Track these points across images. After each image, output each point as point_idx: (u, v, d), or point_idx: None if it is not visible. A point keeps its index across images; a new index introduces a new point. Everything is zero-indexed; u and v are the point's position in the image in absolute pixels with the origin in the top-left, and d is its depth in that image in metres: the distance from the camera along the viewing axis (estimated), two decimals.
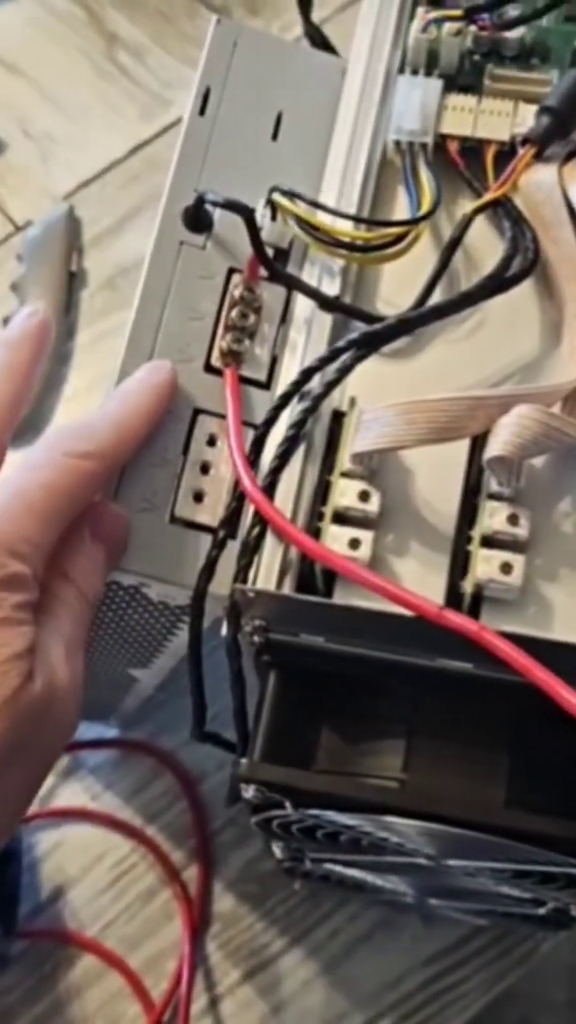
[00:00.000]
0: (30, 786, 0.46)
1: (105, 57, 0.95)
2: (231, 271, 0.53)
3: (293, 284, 0.52)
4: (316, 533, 0.47)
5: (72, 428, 0.48)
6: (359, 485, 0.47)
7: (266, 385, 0.52)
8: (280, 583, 0.47)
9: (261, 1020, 0.70)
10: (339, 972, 0.71)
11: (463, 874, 0.53)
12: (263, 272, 0.52)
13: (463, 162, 0.54)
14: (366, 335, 0.49)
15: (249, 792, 0.47)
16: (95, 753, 0.76)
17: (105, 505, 0.48)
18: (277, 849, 0.58)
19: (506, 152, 0.53)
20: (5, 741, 0.42)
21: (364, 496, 0.47)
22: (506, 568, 0.46)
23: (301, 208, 0.52)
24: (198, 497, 0.50)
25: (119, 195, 0.89)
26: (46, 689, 0.44)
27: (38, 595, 0.45)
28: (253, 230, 0.51)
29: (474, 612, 0.47)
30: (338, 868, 0.60)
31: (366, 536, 0.47)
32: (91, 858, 0.74)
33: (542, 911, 0.58)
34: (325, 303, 0.51)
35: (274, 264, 0.52)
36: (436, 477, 0.49)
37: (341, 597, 0.47)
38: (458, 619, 0.43)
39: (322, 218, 0.52)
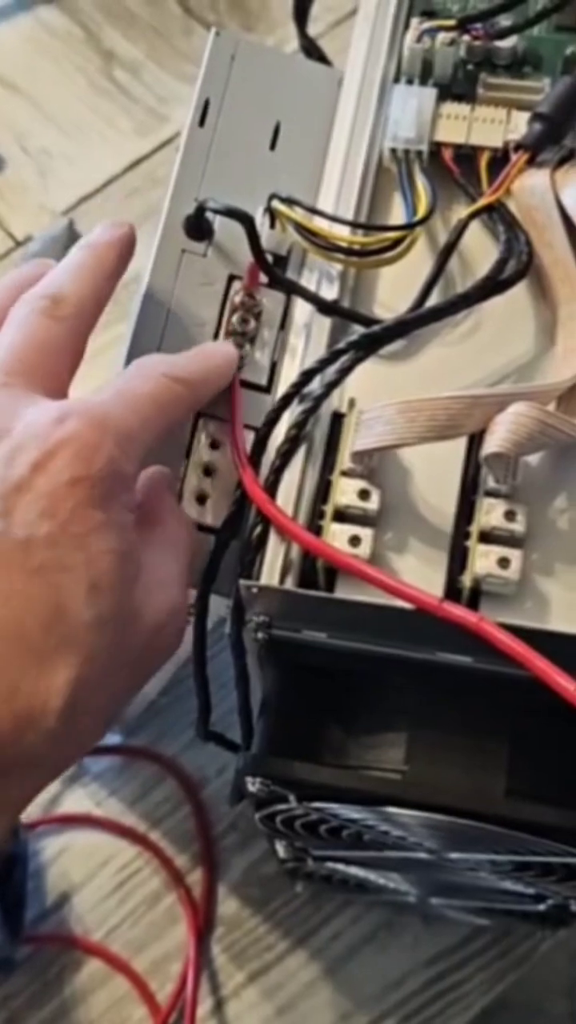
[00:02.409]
0: (130, 691, 0.46)
1: (102, 74, 0.96)
2: (231, 278, 0.54)
3: (292, 289, 0.53)
4: (317, 531, 0.48)
5: (164, 357, 0.49)
6: (359, 483, 0.48)
7: (267, 389, 0.53)
8: (283, 580, 0.47)
9: (266, 1021, 0.71)
10: (342, 973, 0.71)
11: (464, 869, 0.53)
12: (263, 278, 0.53)
13: (458, 169, 0.55)
14: (365, 337, 0.50)
15: (254, 786, 0.47)
16: (99, 759, 0.77)
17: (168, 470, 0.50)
18: (280, 848, 0.59)
19: (499, 158, 0.54)
20: (116, 651, 0.43)
21: (364, 494, 0.48)
22: (503, 563, 0.47)
23: (300, 215, 0.53)
24: (201, 499, 0.50)
25: (117, 210, 0.90)
26: (157, 602, 0.45)
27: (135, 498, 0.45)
28: (253, 237, 0.51)
29: (473, 606, 0.47)
30: (340, 867, 0.60)
31: (366, 533, 0.47)
32: (96, 863, 0.74)
33: (542, 907, 0.58)
34: (324, 307, 0.52)
35: (274, 270, 0.53)
36: (434, 475, 0.49)
37: (342, 593, 0.47)
38: (458, 611, 0.43)
39: (320, 224, 0.53)
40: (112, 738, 0.77)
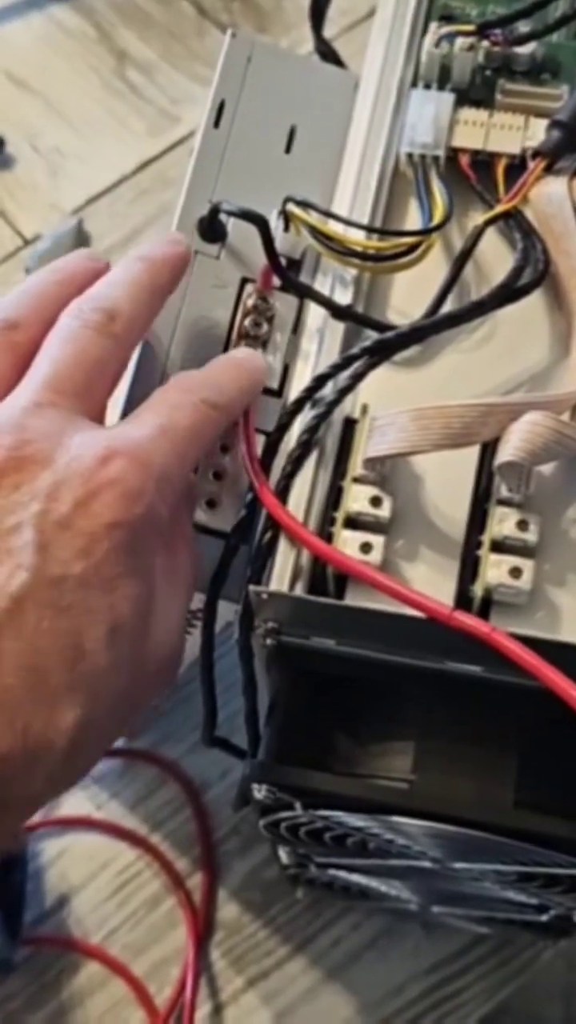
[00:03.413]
0: (123, 730, 0.47)
1: (114, 74, 0.96)
2: (244, 281, 0.54)
3: (306, 293, 0.53)
4: (328, 538, 0.48)
5: (204, 378, 0.48)
6: (371, 490, 0.48)
7: (278, 393, 0.52)
8: (292, 586, 0.47)
9: None
10: (342, 980, 0.71)
11: (468, 878, 0.53)
12: (276, 281, 0.53)
13: (474, 175, 0.55)
14: (378, 343, 0.50)
15: (260, 793, 0.47)
16: (100, 762, 0.76)
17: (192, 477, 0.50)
18: (283, 854, 0.58)
19: (517, 165, 0.54)
20: (122, 694, 0.43)
21: (376, 501, 0.48)
22: (515, 572, 0.47)
23: (314, 218, 0.52)
24: (212, 503, 0.50)
25: (128, 210, 0.90)
26: (162, 646, 0.45)
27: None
28: (268, 239, 0.51)
29: (483, 616, 0.47)
30: (343, 874, 0.60)
31: (377, 540, 0.47)
32: (96, 866, 0.74)
33: (545, 918, 0.58)
34: (337, 312, 0.52)
35: (287, 273, 0.53)
36: (447, 483, 0.49)
37: (352, 601, 0.47)
38: (470, 621, 0.43)
39: (335, 228, 0.53)
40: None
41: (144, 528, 0.42)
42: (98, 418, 0.46)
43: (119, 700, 0.43)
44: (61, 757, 0.41)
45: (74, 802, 0.75)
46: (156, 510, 0.43)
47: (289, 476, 0.49)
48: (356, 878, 0.60)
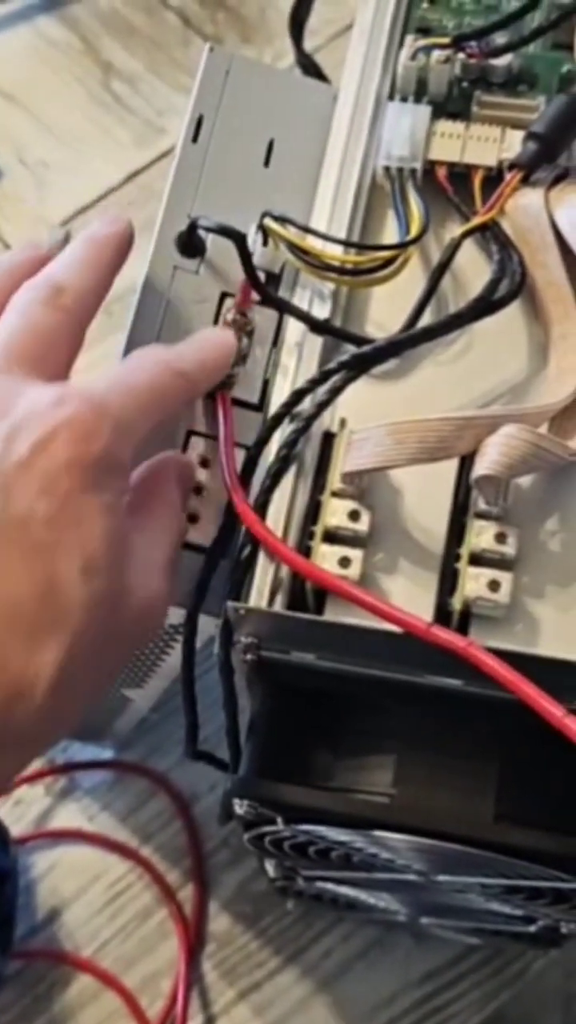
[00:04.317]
0: (112, 674, 0.47)
1: (100, 85, 0.96)
2: (223, 295, 0.54)
3: (284, 308, 0.53)
4: (307, 552, 0.48)
5: (167, 347, 0.50)
6: (349, 504, 0.48)
7: (258, 407, 0.52)
8: (271, 601, 0.47)
9: None
10: (333, 991, 0.71)
11: (453, 891, 0.53)
12: (255, 296, 0.53)
13: (451, 187, 0.54)
14: (356, 357, 0.50)
15: (242, 808, 0.47)
16: (91, 774, 0.76)
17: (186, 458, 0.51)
18: (270, 867, 0.58)
19: (493, 177, 0.54)
20: (102, 633, 0.43)
21: (354, 515, 0.48)
22: (494, 586, 0.47)
23: (292, 233, 0.52)
24: (192, 518, 0.50)
25: None
26: (143, 588, 0.45)
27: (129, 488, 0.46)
28: (245, 255, 0.51)
29: (462, 629, 0.47)
30: (330, 886, 0.60)
31: (356, 555, 0.47)
32: (87, 878, 0.74)
33: (533, 929, 0.58)
34: (316, 326, 0.52)
35: (266, 288, 0.53)
36: (425, 496, 0.49)
37: (332, 615, 0.47)
38: (446, 635, 0.43)
39: (313, 243, 0.52)
40: (104, 753, 0.77)
41: (103, 465, 0.43)
42: None
43: (101, 639, 0.43)
44: (45, 693, 0.41)
45: (65, 815, 0.75)
46: (113, 452, 0.43)
47: (268, 490, 0.49)
48: (344, 890, 0.60)
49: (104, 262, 0.50)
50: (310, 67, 0.66)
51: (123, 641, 0.45)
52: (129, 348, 0.52)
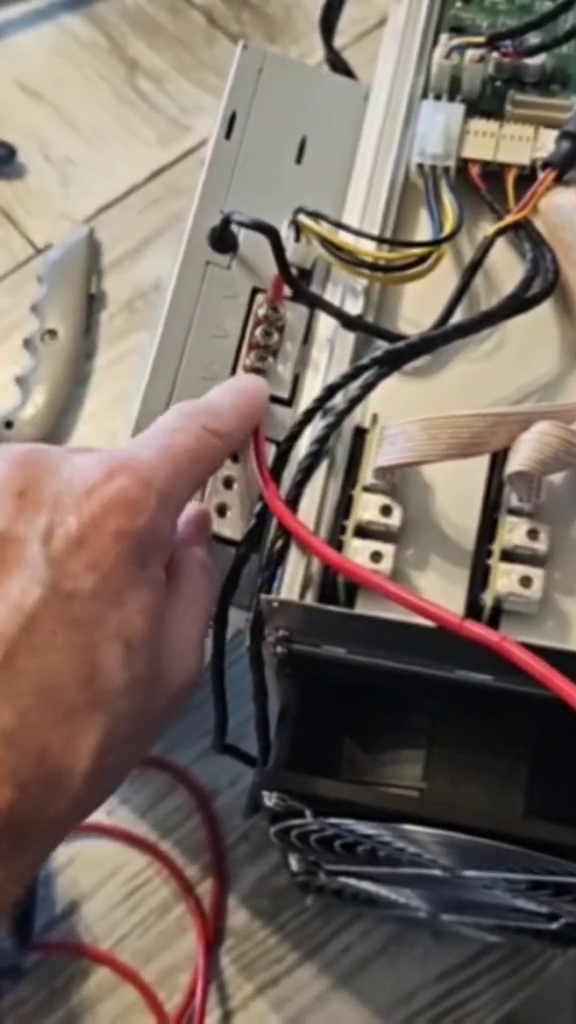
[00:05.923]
0: (142, 754, 0.45)
1: (125, 83, 0.96)
2: (255, 291, 0.54)
3: (316, 303, 0.53)
4: (338, 546, 0.48)
5: (204, 406, 0.48)
6: (381, 499, 0.48)
7: (289, 402, 0.53)
8: (303, 595, 0.47)
9: None
10: (351, 987, 0.71)
11: (478, 886, 0.53)
12: (287, 291, 0.53)
13: (484, 185, 0.55)
14: (389, 353, 0.50)
15: (271, 800, 0.47)
16: None
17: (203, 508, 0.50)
18: (293, 861, 0.59)
19: (526, 176, 0.54)
20: (140, 713, 0.42)
21: (386, 510, 0.48)
22: (526, 582, 0.47)
23: (325, 229, 0.53)
24: (222, 511, 0.50)
25: (138, 219, 0.91)
26: (178, 667, 0.44)
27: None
28: (279, 250, 0.52)
29: (493, 624, 0.47)
30: (352, 881, 0.60)
31: (388, 549, 0.47)
32: (106, 872, 0.74)
33: (555, 926, 0.58)
34: (348, 322, 0.52)
35: (298, 283, 0.53)
36: (457, 492, 0.49)
37: (363, 610, 0.47)
38: (480, 630, 0.43)
39: (345, 239, 0.53)
40: None
41: (148, 539, 0.42)
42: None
43: (139, 720, 0.42)
44: (82, 782, 0.40)
45: None
46: (159, 523, 0.43)
47: (299, 485, 0.49)
48: (366, 885, 0.60)
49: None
50: (339, 65, 0.66)
51: (155, 724, 0.44)
52: (162, 343, 0.52)
